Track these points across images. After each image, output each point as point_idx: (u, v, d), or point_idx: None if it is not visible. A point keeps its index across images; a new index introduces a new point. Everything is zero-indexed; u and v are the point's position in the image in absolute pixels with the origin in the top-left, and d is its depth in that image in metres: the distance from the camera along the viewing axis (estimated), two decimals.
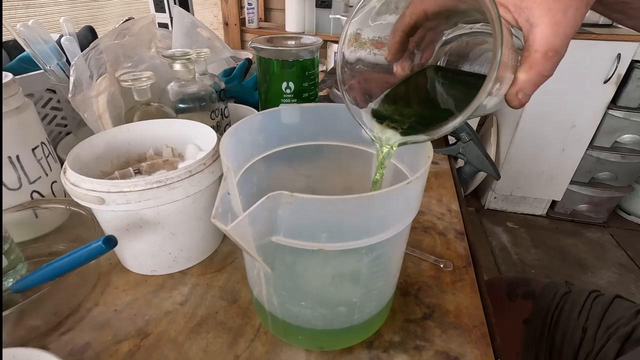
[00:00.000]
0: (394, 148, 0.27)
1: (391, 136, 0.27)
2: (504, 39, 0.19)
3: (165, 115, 0.44)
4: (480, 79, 0.21)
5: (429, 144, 0.26)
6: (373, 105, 0.29)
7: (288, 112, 0.33)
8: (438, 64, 0.30)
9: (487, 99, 0.21)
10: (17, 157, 0.38)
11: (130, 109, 0.44)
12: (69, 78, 0.43)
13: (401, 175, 0.32)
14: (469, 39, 0.28)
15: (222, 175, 0.34)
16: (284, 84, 0.52)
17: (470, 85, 0.28)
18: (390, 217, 0.24)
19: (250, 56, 0.78)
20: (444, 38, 0.29)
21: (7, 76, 0.38)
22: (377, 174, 0.28)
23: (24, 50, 0.54)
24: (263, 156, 0.33)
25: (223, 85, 0.53)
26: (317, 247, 0.23)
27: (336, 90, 0.82)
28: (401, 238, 0.28)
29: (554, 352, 0.49)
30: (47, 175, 0.42)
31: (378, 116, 0.28)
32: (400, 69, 0.29)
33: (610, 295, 0.51)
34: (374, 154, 0.35)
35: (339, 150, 0.36)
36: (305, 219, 0.22)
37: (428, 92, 0.29)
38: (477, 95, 0.21)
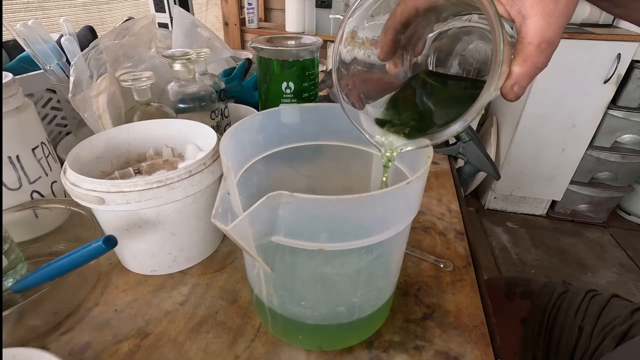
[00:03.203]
0: (396, 152, 0.27)
1: (394, 141, 0.27)
2: (503, 37, 0.19)
3: (165, 115, 0.44)
4: (477, 81, 0.21)
5: None
6: (371, 108, 0.28)
7: (288, 112, 0.33)
8: (429, 59, 0.29)
9: (486, 97, 0.21)
10: (17, 157, 0.38)
11: (130, 109, 0.44)
12: (69, 78, 0.43)
13: (401, 175, 0.32)
14: (458, 31, 0.28)
15: (222, 175, 0.34)
16: (284, 84, 0.52)
17: (469, 85, 0.28)
18: (390, 217, 0.24)
19: (250, 56, 0.78)
20: (434, 33, 0.29)
21: (7, 76, 0.38)
22: (384, 178, 0.28)
23: (24, 50, 0.54)
24: (263, 156, 0.33)
25: (223, 85, 0.53)
26: (317, 247, 0.23)
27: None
28: (401, 238, 0.28)
29: (551, 351, 0.50)
30: (47, 175, 0.42)
31: (378, 120, 0.28)
32: (393, 66, 0.28)
33: (607, 294, 0.51)
34: (375, 154, 0.35)
35: (339, 150, 0.36)
36: (305, 219, 0.22)
37: (427, 96, 0.29)
38: (478, 98, 0.21)
